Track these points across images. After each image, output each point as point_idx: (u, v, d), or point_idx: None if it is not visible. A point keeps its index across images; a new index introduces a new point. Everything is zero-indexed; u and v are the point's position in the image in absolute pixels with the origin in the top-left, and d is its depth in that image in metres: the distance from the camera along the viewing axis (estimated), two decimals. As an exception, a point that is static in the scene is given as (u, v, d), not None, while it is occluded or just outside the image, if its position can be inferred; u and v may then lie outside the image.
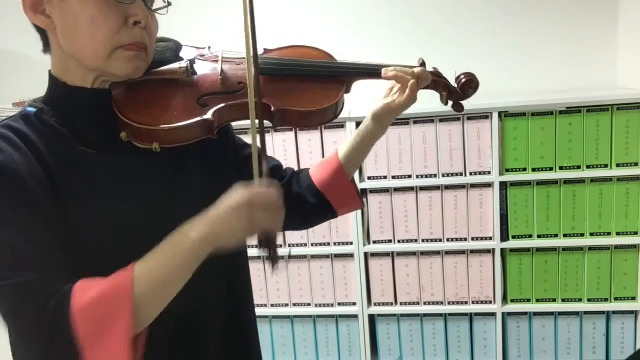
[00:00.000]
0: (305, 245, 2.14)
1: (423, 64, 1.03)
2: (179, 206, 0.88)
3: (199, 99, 0.88)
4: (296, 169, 1.12)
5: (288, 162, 2.03)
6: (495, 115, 1.94)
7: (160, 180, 0.89)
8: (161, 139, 0.83)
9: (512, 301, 2.09)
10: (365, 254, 2.11)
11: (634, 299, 2.02)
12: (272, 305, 2.20)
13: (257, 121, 0.83)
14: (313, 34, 2.28)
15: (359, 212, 2.05)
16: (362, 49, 2.27)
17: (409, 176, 2.04)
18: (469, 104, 2.06)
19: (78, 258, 0.79)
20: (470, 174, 2.01)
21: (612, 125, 1.92)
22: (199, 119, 0.85)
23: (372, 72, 1.00)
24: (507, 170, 2.00)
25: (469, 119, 1.97)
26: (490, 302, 2.09)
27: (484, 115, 1.96)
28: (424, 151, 2.02)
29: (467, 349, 2.15)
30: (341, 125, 2.01)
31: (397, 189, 2.06)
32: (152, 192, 0.87)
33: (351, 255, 2.11)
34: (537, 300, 2.07)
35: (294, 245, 2.14)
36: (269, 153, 2.06)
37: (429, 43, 2.24)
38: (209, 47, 0.98)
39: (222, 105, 0.87)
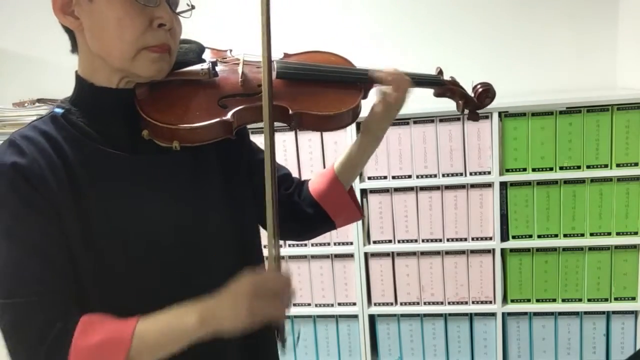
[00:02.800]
0: (305, 245, 2.14)
1: (440, 73, 1.06)
2: (199, 204, 0.91)
3: (219, 100, 0.90)
4: (296, 169, 1.12)
5: (288, 162, 2.03)
6: (495, 115, 1.94)
7: (180, 178, 0.90)
8: (181, 137, 0.85)
9: (512, 301, 2.09)
10: (365, 254, 2.11)
11: (634, 299, 2.02)
12: (272, 305, 2.20)
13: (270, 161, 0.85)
14: (343, 41, 2.28)
15: (359, 212, 2.05)
16: (360, 50, 2.27)
17: (409, 176, 2.04)
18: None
19: (95, 262, 0.81)
20: (470, 174, 2.01)
21: (612, 125, 1.92)
22: (218, 119, 0.87)
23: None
24: (507, 170, 2.00)
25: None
26: (490, 302, 2.09)
27: (484, 115, 1.96)
28: (424, 151, 2.02)
29: (467, 349, 2.15)
30: (341, 125, 2.01)
31: (397, 189, 2.06)
32: (173, 190, 0.89)
33: (351, 255, 2.11)
34: (537, 300, 2.07)
35: (294, 246, 2.15)
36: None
37: (429, 43, 2.24)
38: (230, 50, 1.00)
39: (242, 107, 0.90)
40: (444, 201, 2.04)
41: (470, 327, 2.14)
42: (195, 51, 0.94)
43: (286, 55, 1.01)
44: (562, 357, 2.10)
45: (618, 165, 1.93)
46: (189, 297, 0.80)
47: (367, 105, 1.03)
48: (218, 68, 0.94)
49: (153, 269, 0.85)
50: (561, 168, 1.96)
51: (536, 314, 2.09)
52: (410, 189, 2.05)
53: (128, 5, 0.81)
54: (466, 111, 1.08)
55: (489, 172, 1.99)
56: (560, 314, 2.08)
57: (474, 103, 1.08)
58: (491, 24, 2.21)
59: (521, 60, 2.21)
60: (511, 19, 2.19)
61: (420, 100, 2.18)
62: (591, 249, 2.01)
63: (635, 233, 1.97)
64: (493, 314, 2.10)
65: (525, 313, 2.10)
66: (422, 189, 2.04)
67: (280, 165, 1.10)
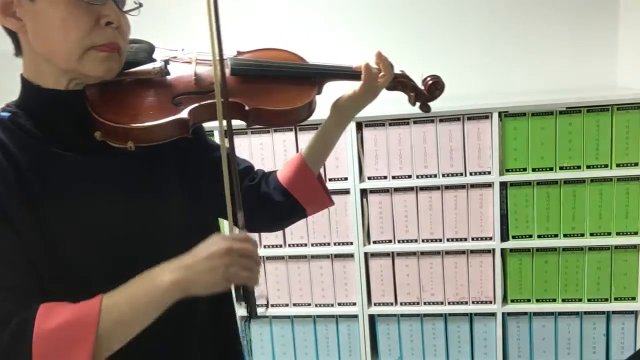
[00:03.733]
0: (305, 245, 2.14)
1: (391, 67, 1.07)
2: (155, 204, 0.89)
3: (174, 99, 0.89)
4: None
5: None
6: (495, 115, 1.94)
7: (135, 179, 0.89)
8: (136, 137, 0.84)
9: (512, 301, 2.09)
10: (365, 254, 2.11)
11: (634, 299, 2.02)
12: (272, 305, 2.20)
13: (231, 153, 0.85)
14: (320, 35, 2.28)
15: (359, 212, 2.05)
16: (361, 52, 2.27)
17: (409, 176, 2.04)
18: (468, 104, 2.07)
19: (53, 263, 0.79)
20: (470, 174, 2.01)
21: (612, 125, 1.92)
22: (174, 117, 0.86)
23: (342, 73, 1.04)
24: (507, 170, 2.00)
25: (469, 119, 1.97)
26: (490, 302, 2.09)
27: (484, 115, 1.96)
28: (424, 151, 2.02)
29: (467, 349, 2.15)
30: (341, 125, 2.01)
31: (397, 189, 2.06)
32: (127, 191, 0.87)
33: (351, 255, 2.11)
34: (537, 300, 2.07)
35: (293, 246, 2.15)
36: (270, 153, 2.07)
37: (429, 43, 2.24)
38: (182, 49, 0.99)
39: (196, 104, 0.89)
40: (444, 201, 2.04)
41: (470, 327, 2.14)
42: (146, 50, 0.93)
43: (239, 52, 1.01)
44: (562, 357, 2.10)
45: (618, 165, 1.93)
46: None
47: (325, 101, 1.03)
48: (170, 67, 0.93)
49: (111, 269, 0.83)
50: (561, 168, 1.96)
51: (536, 314, 2.09)
52: (410, 189, 2.05)
53: (72, 4, 0.78)
54: (418, 103, 1.11)
55: (489, 172, 1.99)
56: (560, 314, 2.08)
57: (425, 95, 1.10)
58: (491, 24, 2.21)
59: (521, 60, 2.21)
60: (511, 19, 2.19)
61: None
62: (591, 249, 2.01)
63: (635, 233, 1.97)
64: (493, 314, 2.10)
65: (525, 313, 2.10)
66: (422, 189, 2.04)
67: (243, 160, 1.10)
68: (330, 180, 2.08)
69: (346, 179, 2.06)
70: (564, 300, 2.06)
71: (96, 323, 0.73)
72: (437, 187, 2.04)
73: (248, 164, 1.10)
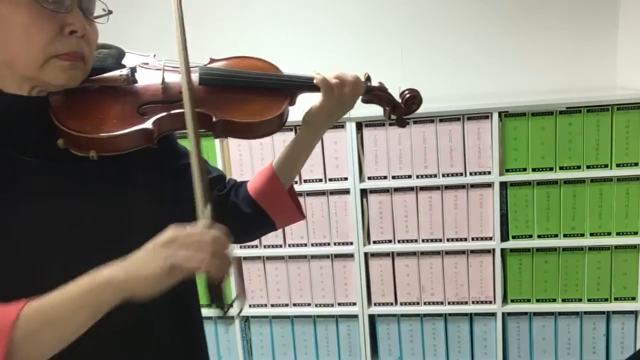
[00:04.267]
0: (305, 245, 2.14)
1: (368, 79, 1.04)
2: (120, 211, 0.87)
3: (139, 108, 0.87)
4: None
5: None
6: (495, 115, 1.94)
7: (98, 187, 0.86)
8: (98, 147, 0.82)
9: (512, 301, 2.09)
10: (365, 254, 2.11)
11: (634, 299, 2.02)
12: (272, 305, 2.20)
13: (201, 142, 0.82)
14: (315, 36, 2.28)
15: (359, 212, 2.05)
16: (363, 51, 2.27)
17: (409, 176, 2.04)
18: (468, 104, 2.07)
19: (15, 271, 0.77)
20: (470, 174, 2.01)
21: (612, 125, 1.92)
22: (138, 127, 0.83)
23: (314, 85, 0.99)
24: (507, 170, 2.00)
25: (469, 119, 1.97)
26: (490, 302, 2.09)
27: (484, 115, 1.96)
28: (424, 151, 2.02)
29: (467, 349, 2.15)
30: (341, 126, 2.01)
31: (397, 189, 2.06)
32: (89, 199, 0.85)
33: (351, 255, 2.11)
34: (537, 300, 2.07)
35: (293, 246, 2.15)
36: (269, 153, 2.07)
37: (429, 43, 2.25)
38: (154, 55, 0.96)
39: (162, 114, 0.86)
40: (444, 201, 2.04)
41: (470, 327, 2.14)
42: (115, 56, 0.90)
43: (212, 60, 0.99)
44: (562, 357, 2.10)
45: (618, 165, 1.93)
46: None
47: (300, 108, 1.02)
48: (138, 74, 0.89)
49: (71, 278, 0.78)
50: (561, 168, 1.96)
51: (536, 314, 2.09)
52: (410, 189, 2.05)
53: (35, 11, 0.75)
54: (393, 117, 1.07)
55: (489, 172, 1.99)
56: (560, 314, 2.08)
57: (402, 109, 1.06)
58: (491, 24, 2.21)
59: (521, 60, 2.21)
60: (511, 19, 2.19)
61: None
62: (591, 249, 2.01)
63: (635, 233, 1.97)
64: (493, 314, 2.10)
65: (525, 313, 2.10)
66: (422, 189, 2.04)
67: (214, 168, 1.08)
68: (330, 180, 2.08)
69: (346, 179, 2.06)
70: (564, 300, 2.06)
71: (9, 333, 0.69)
72: (437, 187, 2.04)
73: (219, 173, 1.07)
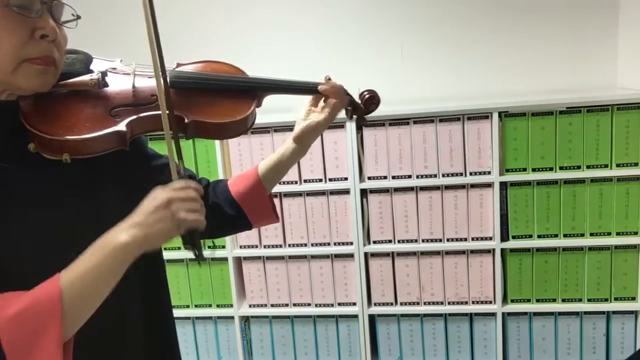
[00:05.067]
0: (305, 245, 2.14)
1: (329, 81, 1.07)
2: (93, 214, 0.88)
3: (111, 111, 0.89)
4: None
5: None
6: (495, 115, 1.94)
7: (71, 190, 0.87)
8: (72, 149, 0.83)
9: (512, 301, 2.09)
10: (365, 254, 2.12)
11: (634, 299, 2.02)
12: (272, 305, 2.20)
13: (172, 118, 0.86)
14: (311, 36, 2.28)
15: (359, 212, 2.05)
16: (363, 51, 2.27)
17: (409, 176, 2.04)
18: (468, 104, 2.07)
19: None
20: (470, 174, 2.01)
21: (612, 125, 1.92)
22: (111, 129, 0.85)
23: (281, 87, 1.05)
24: (507, 170, 2.00)
25: (469, 119, 1.97)
26: (490, 302, 2.09)
27: (484, 115, 1.96)
28: (424, 151, 2.02)
29: (467, 349, 2.15)
30: (341, 126, 2.01)
31: (397, 189, 2.06)
32: (62, 203, 0.85)
33: (351, 255, 2.11)
34: (537, 300, 2.07)
35: (293, 246, 2.15)
36: (269, 153, 2.06)
37: (429, 43, 2.25)
38: (121, 60, 0.98)
39: (135, 116, 0.89)
40: (444, 201, 2.04)
41: (470, 327, 2.14)
42: (83, 61, 0.92)
43: (179, 64, 1.01)
44: (562, 357, 2.11)
45: (618, 165, 1.93)
46: None
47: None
48: (108, 78, 0.92)
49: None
50: (561, 168, 1.96)
51: (536, 314, 2.09)
52: (410, 189, 2.05)
53: (6, 16, 0.76)
54: (354, 117, 1.12)
55: (489, 172, 1.99)
56: (560, 314, 2.08)
57: (362, 109, 1.11)
58: (491, 25, 2.21)
59: (521, 60, 2.21)
60: (511, 19, 2.19)
61: (419, 102, 2.19)
62: (591, 249, 2.01)
63: (635, 233, 1.97)
64: (493, 314, 2.10)
65: (525, 313, 2.10)
66: (422, 189, 2.05)
67: (187, 168, 1.10)
68: (330, 180, 2.08)
69: (346, 179, 2.06)
70: (564, 300, 2.06)
71: (60, 300, 0.73)
72: (437, 187, 2.04)
73: (190, 172, 1.09)
